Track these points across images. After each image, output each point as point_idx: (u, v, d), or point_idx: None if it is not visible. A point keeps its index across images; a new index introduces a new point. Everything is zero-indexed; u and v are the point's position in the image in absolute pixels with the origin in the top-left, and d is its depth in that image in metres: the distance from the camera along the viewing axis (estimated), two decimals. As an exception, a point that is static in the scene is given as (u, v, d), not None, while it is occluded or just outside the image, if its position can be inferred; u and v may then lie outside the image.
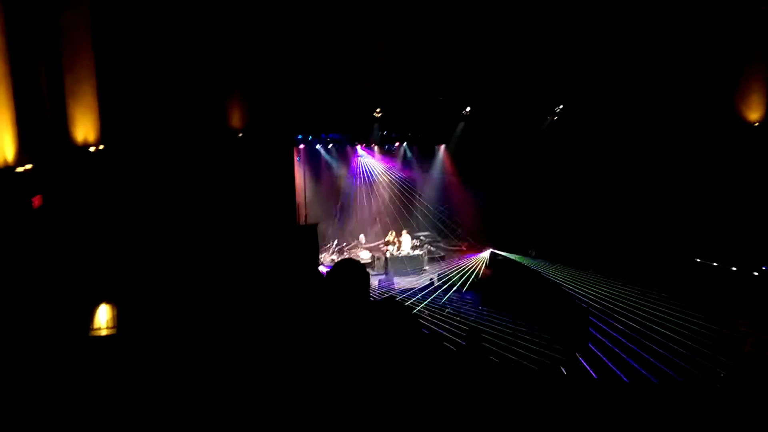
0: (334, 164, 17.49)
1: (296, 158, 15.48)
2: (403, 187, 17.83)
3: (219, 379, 4.15)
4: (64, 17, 9.97)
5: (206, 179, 12.46)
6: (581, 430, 3.88)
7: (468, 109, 15.73)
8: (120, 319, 8.95)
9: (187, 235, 11.65)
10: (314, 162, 17.05)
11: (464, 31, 13.97)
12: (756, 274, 11.73)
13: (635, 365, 8.30)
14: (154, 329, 7.07)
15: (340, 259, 15.95)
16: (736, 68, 12.61)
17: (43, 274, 9.03)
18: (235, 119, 13.16)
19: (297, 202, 14.89)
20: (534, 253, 15.54)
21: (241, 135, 13.16)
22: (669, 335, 9.22)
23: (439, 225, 17.75)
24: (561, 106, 15.35)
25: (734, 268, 11.95)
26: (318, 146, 16.71)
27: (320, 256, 15.61)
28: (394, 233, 16.18)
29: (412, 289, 13.33)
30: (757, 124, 12.49)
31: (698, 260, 12.39)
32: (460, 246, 17.43)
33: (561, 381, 6.11)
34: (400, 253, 15.48)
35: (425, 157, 17.91)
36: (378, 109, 15.15)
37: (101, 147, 10.51)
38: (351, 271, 4.23)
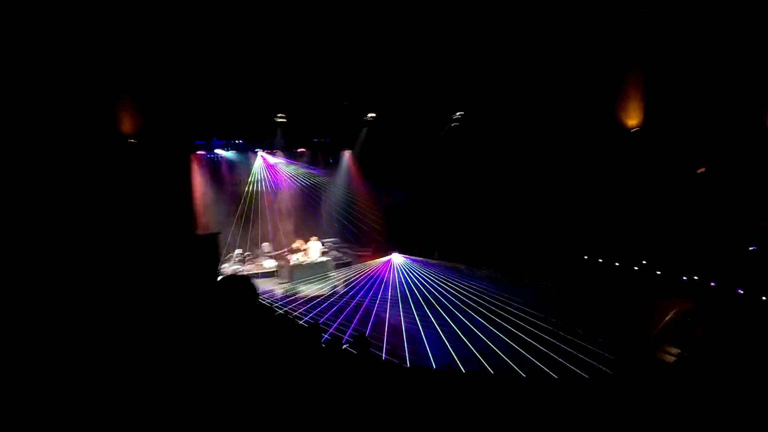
0: (236, 171, 16.99)
1: (194, 165, 14.91)
2: (308, 193, 17.65)
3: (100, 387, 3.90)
4: None
5: (95, 185, 11.69)
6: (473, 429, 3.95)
7: (372, 114, 15.84)
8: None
9: (75, 243, 10.86)
10: (215, 169, 16.47)
11: (366, 37, 14.04)
12: (636, 268, 12.67)
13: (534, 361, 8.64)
14: (38, 337, 6.52)
15: (234, 271, 15.51)
16: (616, 78, 13.62)
17: None
18: (126, 124, 12.45)
19: (196, 210, 14.31)
20: (438, 255, 15.90)
21: (132, 141, 12.47)
22: (563, 329, 9.71)
23: (345, 230, 17.74)
24: (461, 112, 15.84)
25: (617, 264, 12.85)
26: (218, 152, 16.16)
27: (222, 266, 15.09)
28: (300, 240, 15.93)
29: (319, 297, 13.21)
30: (634, 130, 13.53)
31: (585, 257, 13.22)
32: (366, 251, 17.50)
33: (456, 378, 6.23)
34: (306, 261, 15.26)
35: (330, 162, 17.84)
36: (281, 114, 14.89)
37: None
38: (235, 289, 4.11)
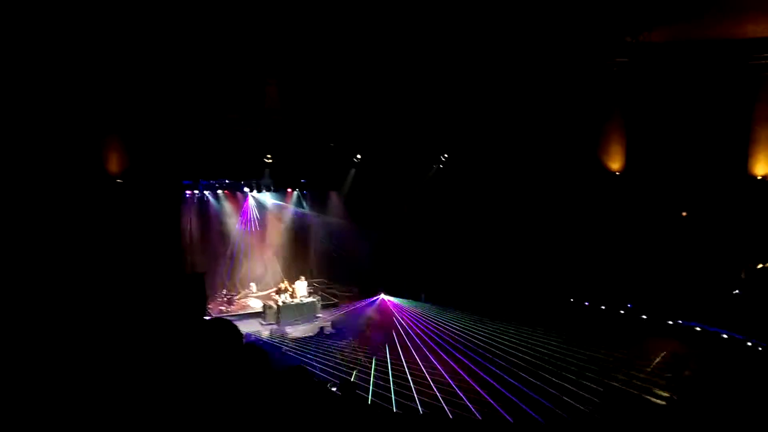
0: (224, 211, 16.97)
1: (183, 204, 14.91)
2: (295, 234, 17.64)
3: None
4: None
5: (83, 225, 11.65)
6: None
7: (359, 156, 16.02)
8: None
9: (64, 283, 10.73)
10: (203, 209, 16.44)
11: (353, 80, 14.34)
12: (622, 312, 12.72)
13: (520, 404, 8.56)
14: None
15: (225, 310, 15.33)
16: (599, 125, 13.99)
17: None
18: (113, 164, 12.50)
19: (184, 249, 14.23)
20: (425, 297, 15.86)
21: (120, 180, 12.49)
22: (550, 371, 9.66)
23: (332, 271, 17.65)
24: (446, 155, 16.07)
25: (603, 307, 12.89)
26: (206, 192, 16.16)
27: (208, 306, 14.89)
28: (286, 281, 15.83)
29: (304, 337, 13.07)
30: (618, 173, 13.81)
31: (572, 300, 13.26)
32: (352, 291, 17.37)
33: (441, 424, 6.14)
34: (293, 301, 15.13)
35: (318, 203, 17.89)
36: (269, 155, 15.00)
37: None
38: (219, 332, 4.11)
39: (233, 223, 17.10)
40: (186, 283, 13.23)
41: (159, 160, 13.08)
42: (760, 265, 12.06)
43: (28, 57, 11.14)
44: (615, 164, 13.92)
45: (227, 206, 16.95)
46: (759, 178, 12.60)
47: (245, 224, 17.19)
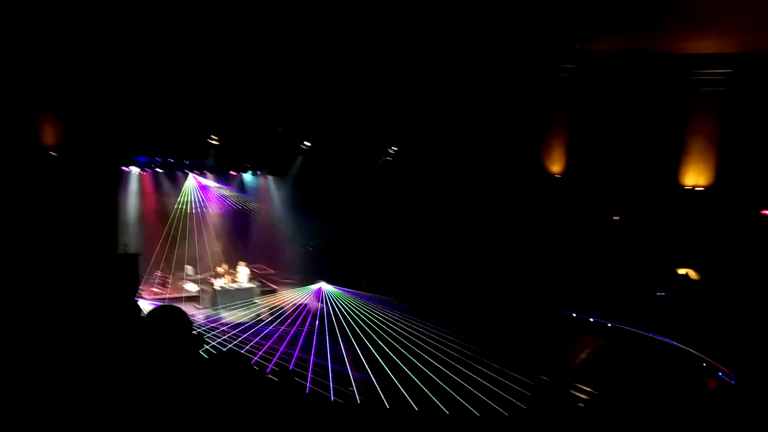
0: (164, 190, 16.41)
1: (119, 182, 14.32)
2: (237, 218, 17.30)
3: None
4: None
5: (12, 196, 11.01)
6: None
7: (307, 143, 15.87)
8: None
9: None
10: (141, 187, 15.82)
11: (305, 65, 14.14)
12: (552, 310, 13.19)
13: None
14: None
15: (161, 298, 14.87)
16: (542, 127, 14.41)
17: None
18: (48, 137, 11.85)
19: (118, 229, 13.69)
20: (366, 286, 15.93)
21: (54, 153, 11.85)
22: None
23: (273, 258, 17.44)
24: (395, 148, 16.16)
25: (533, 305, 13.32)
26: (145, 170, 15.56)
27: (141, 288, 14.42)
28: (225, 265, 15.51)
29: (243, 324, 12.89)
30: (558, 175, 14.28)
31: (504, 298, 13.60)
32: (292, 279, 17.24)
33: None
34: (231, 286, 14.86)
35: (262, 188, 17.61)
36: (213, 136, 14.63)
37: None
38: (170, 320, 4.00)
39: (172, 203, 16.55)
40: (118, 264, 12.78)
41: (97, 133, 12.51)
42: (682, 271, 12.82)
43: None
44: (555, 167, 14.39)
45: (166, 185, 16.38)
46: (688, 187, 13.32)
47: (186, 205, 16.69)
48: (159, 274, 15.99)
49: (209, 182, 16.70)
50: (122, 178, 14.72)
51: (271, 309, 14.30)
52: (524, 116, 14.34)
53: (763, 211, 12.39)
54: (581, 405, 7.84)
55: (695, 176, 13.35)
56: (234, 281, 15.01)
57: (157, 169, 15.76)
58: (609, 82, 13.59)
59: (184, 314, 3.57)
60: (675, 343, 10.95)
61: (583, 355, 10.19)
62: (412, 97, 14.57)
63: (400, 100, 14.66)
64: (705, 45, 12.26)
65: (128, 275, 12.82)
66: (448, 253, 14.68)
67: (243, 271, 15.29)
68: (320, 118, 15.02)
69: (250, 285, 15.26)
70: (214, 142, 14.65)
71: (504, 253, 14.05)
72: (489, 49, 13.14)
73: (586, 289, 13.02)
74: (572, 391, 8.21)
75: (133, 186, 15.36)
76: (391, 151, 16.22)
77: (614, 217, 13.96)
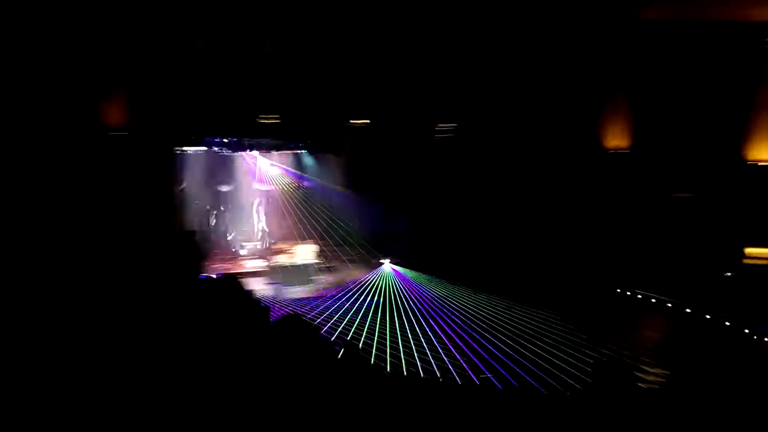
0: (222, 169, 16.88)
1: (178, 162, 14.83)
2: (295, 195, 17.61)
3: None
4: None
5: (76, 179, 11.53)
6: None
7: (364, 120, 15.89)
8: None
9: (56, 236, 10.69)
10: (200, 167, 16.31)
11: (358, 37, 14.10)
12: (618, 291, 12.94)
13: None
14: (21, 338, 6.42)
15: (226, 270, 15.39)
16: (603, 101, 13.95)
17: None
18: (111, 118, 12.30)
19: (179, 207, 14.20)
20: (427, 263, 15.94)
21: (116, 135, 12.32)
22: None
23: (333, 234, 17.69)
24: (450, 124, 15.99)
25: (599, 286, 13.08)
26: (205, 150, 16.02)
27: (204, 263, 14.95)
28: (285, 242, 15.92)
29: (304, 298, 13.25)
30: (620, 151, 13.84)
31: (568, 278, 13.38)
32: (353, 256, 17.48)
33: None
34: (292, 262, 15.26)
35: (319, 165, 17.82)
36: (271, 115, 14.86)
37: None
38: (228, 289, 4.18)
39: (230, 182, 17.05)
40: (181, 240, 13.27)
41: (158, 116, 12.91)
42: (750, 250, 12.25)
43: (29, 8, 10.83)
44: (617, 142, 13.94)
45: (227, 164, 16.86)
46: (756, 163, 12.67)
47: (245, 184, 17.15)
48: (223, 251, 16.53)
49: (268, 160, 17.05)
50: (183, 158, 15.22)
51: (332, 284, 14.60)
52: (584, 90, 13.91)
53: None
54: (647, 386, 7.71)
55: (763, 151, 12.67)
56: (294, 258, 15.38)
57: (217, 149, 16.22)
58: (672, 53, 12.99)
59: (239, 283, 3.74)
60: (740, 326, 10.55)
61: (649, 336, 9.98)
62: (469, 72, 14.35)
63: (457, 74, 14.46)
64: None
65: (193, 252, 13.29)
66: (509, 231, 14.51)
67: (300, 249, 15.61)
68: (376, 94, 14.99)
69: (311, 261, 15.59)
70: (272, 120, 14.87)
71: (566, 231, 13.80)
72: (546, 21, 12.79)
73: (651, 268, 12.67)
74: (638, 374, 8.06)
75: (194, 165, 15.87)
76: (449, 128, 16.06)
77: (678, 194, 13.45)
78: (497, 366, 9.02)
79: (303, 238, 16.05)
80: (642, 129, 13.63)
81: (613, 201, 13.58)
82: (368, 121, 15.93)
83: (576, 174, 13.98)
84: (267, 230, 17.45)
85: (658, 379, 7.69)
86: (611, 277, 13.04)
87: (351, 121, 15.84)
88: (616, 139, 13.93)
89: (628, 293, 12.83)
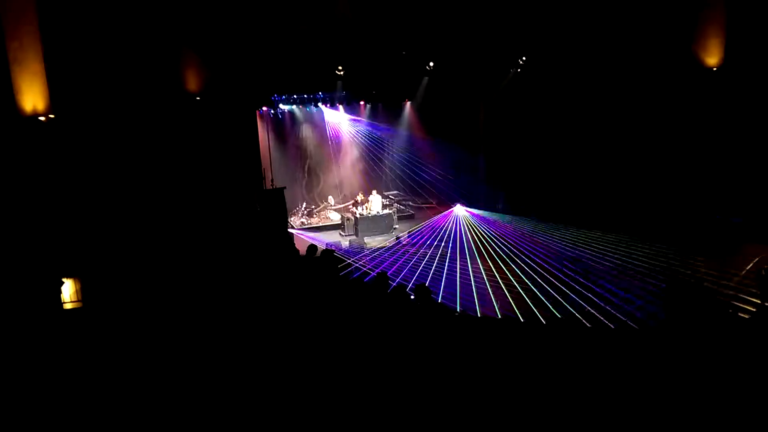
0: (299, 126, 17.26)
1: (259, 120, 15.25)
2: (370, 146, 17.70)
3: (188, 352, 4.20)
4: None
5: (165, 145, 12.14)
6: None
7: (431, 63, 15.52)
8: (86, 293, 8.86)
9: (148, 202, 11.44)
10: (278, 124, 16.79)
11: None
12: (718, 217, 12.09)
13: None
14: (121, 301, 7.03)
15: (308, 228, 15.91)
16: (693, 14, 12.68)
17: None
18: (192, 83, 12.78)
19: (263, 165, 14.69)
20: (501, 207, 15.73)
21: (198, 98, 12.82)
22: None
23: (409, 182, 17.73)
24: (524, 58, 15.25)
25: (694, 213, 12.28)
26: (281, 108, 16.38)
27: (289, 220, 15.53)
28: (362, 194, 16.14)
29: (382, 248, 13.45)
30: (715, 69, 12.63)
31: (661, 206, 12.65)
32: (431, 202, 17.51)
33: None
34: (369, 213, 15.46)
35: (391, 114, 17.74)
36: (340, 67, 14.85)
37: (51, 116, 10.14)
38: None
39: (308, 137, 17.41)
40: (268, 198, 13.79)
41: (235, 77, 13.24)
42: None
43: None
44: (712, 59, 12.72)
45: (301, 121, 17.18)
46: None
47: (320, 138, 17.43)
48: (304, 205, 17.07)
49: (341, 114, 17.17)
50: (261, 117, 15.65)
51: (409, 232, 14.70)
52: (675, 4, 12.71)
53: None
54: (743, 315, 7.23)
55: None
56: (369, 209, 15.57)
57: (292, 107, 16.52)
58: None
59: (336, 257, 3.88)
60: None
61: (750, 264, 9.28)
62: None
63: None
64: None
65: (277, 208, 13.80)
66: (592, 166, 13.85)
67: (376, 200, 15.78)
68: (443, 34, 14.52)
69: (387, 212, 15.75)
70: (340, 72, 14.86)
71: (655, 157, 12.96)
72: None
73: (748, 194, 11.70)
74: (736, 303, 7.55)
75: (271, 124, 16.30)
76: (520, 62, 15.35)
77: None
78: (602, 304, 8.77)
79: (374, 190, 16.17)
80: (739, 44, 12.32)
81: (707, 122, 12.51)
82: (434, 64, 15.50)
83: (667, 93, 12.95)
84: (346, 183, 17.76)
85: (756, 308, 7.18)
86: (711, 205, 12.22)
87: (427, 65, 15.50)
88: (711, 56, 12.71)
89: (722, 219, 11.99)
